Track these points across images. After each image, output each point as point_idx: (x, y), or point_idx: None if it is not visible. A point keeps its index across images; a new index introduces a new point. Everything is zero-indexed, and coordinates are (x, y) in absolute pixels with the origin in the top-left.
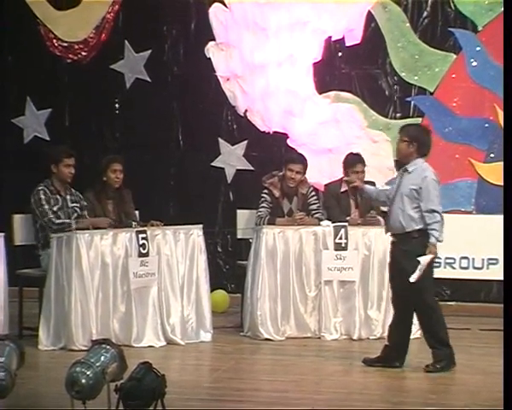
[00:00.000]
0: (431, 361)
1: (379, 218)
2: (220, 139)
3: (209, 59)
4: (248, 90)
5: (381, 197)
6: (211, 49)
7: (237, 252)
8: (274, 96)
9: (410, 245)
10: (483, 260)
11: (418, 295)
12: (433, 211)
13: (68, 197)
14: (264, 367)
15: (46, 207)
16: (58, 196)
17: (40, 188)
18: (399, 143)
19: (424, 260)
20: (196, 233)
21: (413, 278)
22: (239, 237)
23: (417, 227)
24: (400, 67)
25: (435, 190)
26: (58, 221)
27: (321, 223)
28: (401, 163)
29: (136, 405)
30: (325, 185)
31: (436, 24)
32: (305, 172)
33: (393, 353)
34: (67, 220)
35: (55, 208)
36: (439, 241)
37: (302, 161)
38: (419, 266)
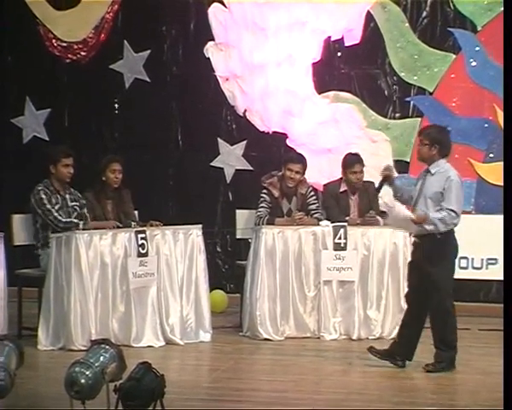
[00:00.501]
0: (431, 361)
1: (378, 218)
2: (219, 139)
3: (208, 59)
4: (247, 90)
5: (404, 195)
6: (210, 49)
7: (236, 252)
8: (273, 96)
9: (435, 248)
10: (482, 260)
11: (438, 296)
12: (451, 210)
13: (68, 196)
14: (264, 367)
15: (49, 206)
16: (58, 196)
17: (40, 188)
18: (421, 147)
19: (399, 209)
20: (195, 233)
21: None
22: (238, 237)
23: (442, 229)
24: (399, 67)
25: (457, 191)
26: (64, 220)
27: (320, 223)
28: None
29: (135, 405)
30: (324, 185)
31: (435, 24)
32: (304, 172)
33: (400, 350)
34: (75, 220)
35: (56, 207)
36: (440, 229)
37: (301, 160)
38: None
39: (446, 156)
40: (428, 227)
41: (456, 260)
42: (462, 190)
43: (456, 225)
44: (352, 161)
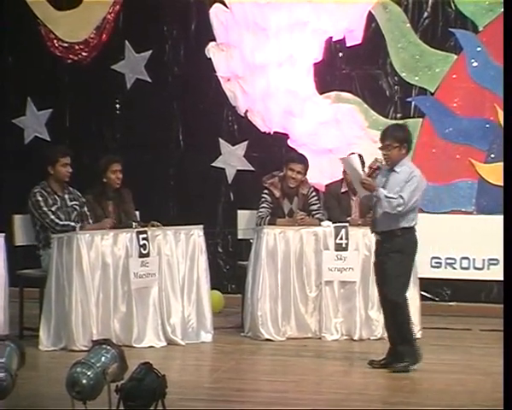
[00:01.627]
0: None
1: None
2: (221, 139)
3: (209, 59)
4: (249, 90)
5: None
6: (211, 50)
7: (238, 252)
8: (274, 96)
9: (394, 243)
10: (484, 260)
11: (387, 289)
12: (401, 197)
13: (67, 196)
14: (265, 368)
15: (45, 208)
16: (56, 196)
17: (36, 190)
18: (390, 151)
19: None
20: (197, 233)
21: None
22: (239, 237)
23: (402, 225)
24: (401, 68)
25: (415, 186)
26: (61, 223)
27: (321, 223)
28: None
29: (136, 405)
30: (326, 186)
31: (437, 24)
32: (306, 173)
33: (396, 352)
34: (72, 223)
35: (53, 208)
36: (379, 202)
37: (303, 161)
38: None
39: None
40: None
41: (458, 261)
42: (422, 190)
43: (399, 211)
44: None
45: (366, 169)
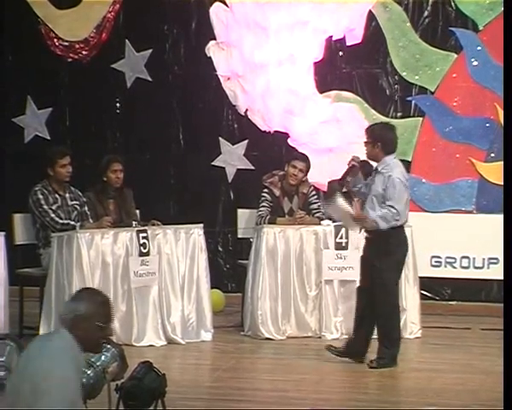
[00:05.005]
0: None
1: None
2: (221, 138)
3: (210, 58)
4: (249, 89)
5: (362, 189)
6: (211, 49)
7: (238, 251)
8: (275, 95)
9: (382, 243)
10: (484, 259)
11: (383, 290)
12: (390, 206)
13: (67, 196)
14: (265, 367)
15: (45, 207)
16: (57, 195)
17: (37, 188)
18: (366, 146)
19: (341, 202)
20: (197, 232)
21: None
22: (239, 236)
23: (381, 227)
24: (401, 67)
25: (397, 189)
26: (62, 221)
27: (321, 222)
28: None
29: (136, 404)
30: (328, 183)
31: (437, 23)
32: (307, 173)
33: (356, 347)
34: (72, 222)
35: (54, 207)
36: (378, 225)
37: (305, 160)
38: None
39: (391, 153)
40: (369, 225)
41: (458, 260)
42: (406, 189)
43: (399, 222)
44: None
45: None
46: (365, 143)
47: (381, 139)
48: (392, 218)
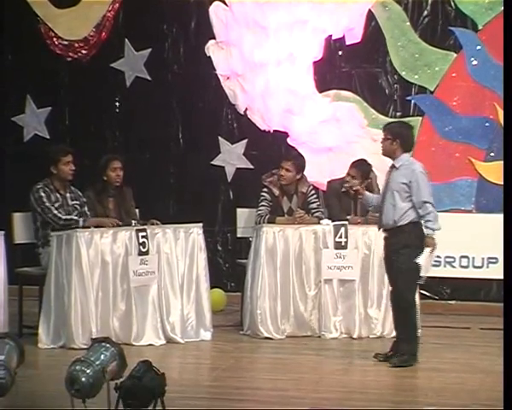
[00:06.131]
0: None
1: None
2: (220, 138)
3: (209, 57)
4: (248, 88)
5: (374, 203)
6: (211, 48)
7: (237, 250)
8: (274, 94)
9: (401, 239)
10: (483, 259)
11: (400, 286)
12: (425, 202)
13: (68, 195)
14: (264, 366)
15: (48, 204)
16: (58, 194)
17: (39, 186)
18: (383, 141)
19: (423, 258)
20: (196, 232)
21: (422, 280)
22: (239, 235)
23: (408, 220)
24: (400, 66)
25: (424, 182)
26: (65, 217)
27: (321, 221)
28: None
29: (135, 403)
30: (328, 182)
31: (436, 23)
32: (298, 171)
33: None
34: (75, 217)
35: (56, 205)
36: (435, 229)
37: (293, 158)
38: (422, 266)
39: (409, 151)
40: (430, 231)
41: (457, 259)
42: (428, 182)
43: (436, 215)
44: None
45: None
46: (383, 139)
47: (400, 136)
48: (434, 213)
